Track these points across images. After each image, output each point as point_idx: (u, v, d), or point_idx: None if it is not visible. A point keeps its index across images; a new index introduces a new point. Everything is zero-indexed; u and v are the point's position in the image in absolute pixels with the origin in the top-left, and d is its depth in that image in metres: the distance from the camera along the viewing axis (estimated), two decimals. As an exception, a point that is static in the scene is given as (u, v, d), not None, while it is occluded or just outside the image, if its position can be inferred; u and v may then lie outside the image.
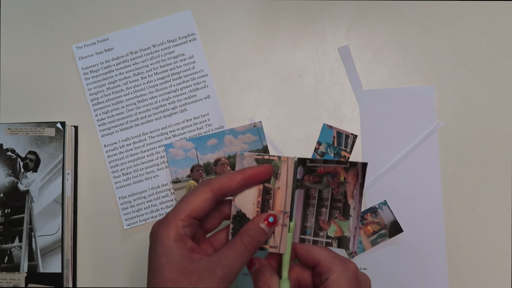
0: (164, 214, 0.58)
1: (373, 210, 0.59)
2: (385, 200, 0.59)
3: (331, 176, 0.45)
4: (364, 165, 0.44)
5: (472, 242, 0.58)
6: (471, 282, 0.58)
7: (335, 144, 0.60)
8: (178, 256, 0.40)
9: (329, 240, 0.45)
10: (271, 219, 0.43)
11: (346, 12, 0.63)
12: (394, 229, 0.59)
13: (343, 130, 0.61)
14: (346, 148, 0.60)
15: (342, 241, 0.45)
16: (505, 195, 0.59)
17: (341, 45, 0.62)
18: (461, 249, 0.58)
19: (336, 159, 0.60)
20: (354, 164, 0.44)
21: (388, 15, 0.63)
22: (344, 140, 0.61)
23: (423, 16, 0.63)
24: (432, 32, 0.62)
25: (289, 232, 0.44)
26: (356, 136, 0.61)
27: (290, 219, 0.44)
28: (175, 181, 0.60)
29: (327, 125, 0.61)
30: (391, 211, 0.59)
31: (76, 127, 0.62)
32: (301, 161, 0.45)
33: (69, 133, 0.60)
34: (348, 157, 0.60)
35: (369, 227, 0.59)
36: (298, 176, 0.45)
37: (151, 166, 0.61)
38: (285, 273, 0.44)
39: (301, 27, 0.63)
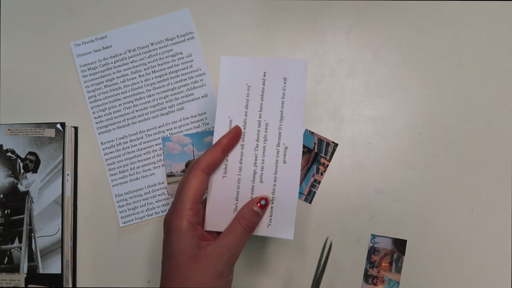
0: (161, 213, 0.59)
1: (372, 250, 0.59)
2: (372, 234, 0.59)
3: None
4: (316, 153, 0.55)
5: (472, 242, 0.59)
6: (471, 282, 0.58)
7: (316, 151, 0.61)
8: (189, 244, 0.44)
9: None
10: (263, 202, 0.48)
11: (346, 13, 0.63)
12: (400, 244, 0.59)
13: (324, 138, 0.61)
14: (326, 155, 0.61)
15: None
16: (505, 195, 0.59)
17: (341, 45, 0.62)
18: (461, 250, 0.59)
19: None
20: (310, 150, 0.58)
21: (388, 16, 0.63)
22: (324, 147, 0.61)
23: (423, 17, 0.62)
24: (432, 33, 0.62)
25: None
26: (337, 144, 0.61)
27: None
28: (169, 175, 0.60)
29: (309, 131, 0.61)
30: (383, 236, 0.59)
31: (76, 128, 0.62)
32: None
33: (69, 134, 0.60)
34: (328, 165, 0.60)
35: (383, 264, 0.59)
36: None
37: (147, 164, 0.61)
38: None
39: (301, 28, 0.63)
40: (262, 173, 0.49)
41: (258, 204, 0.48)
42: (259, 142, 0.49)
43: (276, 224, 0.49)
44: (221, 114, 0.49)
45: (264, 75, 0.50)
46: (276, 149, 0.49)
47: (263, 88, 0.50)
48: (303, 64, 0.50)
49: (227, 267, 0.45)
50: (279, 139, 0.49)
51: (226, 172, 0.49)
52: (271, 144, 0.49)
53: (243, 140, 0.49)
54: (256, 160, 0.49)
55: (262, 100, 0.50)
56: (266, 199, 0.48)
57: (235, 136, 0.48)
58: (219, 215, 0.49)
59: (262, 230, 0.49)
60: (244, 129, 0.49)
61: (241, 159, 0.49)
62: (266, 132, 0.49)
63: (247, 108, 0.49)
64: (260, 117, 0.49)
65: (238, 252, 0.46)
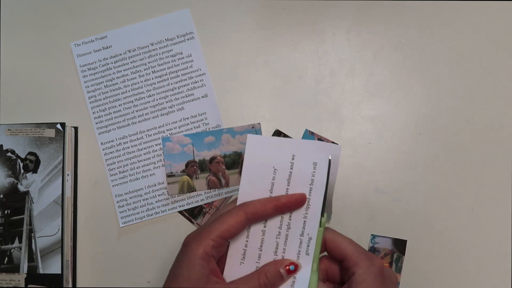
0: (161, 213, 0.60)
1: (372, 250, 0.59)
2: (372, 234, 0.59)
3: None
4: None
5: (472, 242, 0.59)
6: (471, 282, 0.58)
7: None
8: (198, 274, 0.42)
9: None
10: (291, 268, 0.44)
11: (346, 13, 0.63)
12: (400, 244, 0.59)
13: (324, 138, 0.61)
14: None
15: None
16: (506, 196, 0.59)
17: (341, 45, 0.62)
18: (461, 250, 0.59)
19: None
20: None
21: (388, 16, 0.63)
22: None
23: (423, 17, 0.63)
24: (432, 33, 0.62)
25: (320, 227, 0.45)
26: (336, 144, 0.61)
27: (322, 215, 0.46)
28: (169, 175, 0.60)
29: (309, 131, 0.61)
30: (383, 236, 0.59)
31: (76, 128, 0.62)
32: (278, 132, 0.60)
33: (69, 134, 0.60)
34: None
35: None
36: None
37: (147, 165, 0.61)
38: (314, 265, 0.45)
39: (301, 28, 0.63)
40: None
41: (286, 268, 0.44)
42: (282, 230, 0.46)
43: None
44: (244, 196, 0.47)
45: (293, 158, 0.47)
46: (300, 239, 0.46)
47: (291, 172, 0.47)
48: (337, 149, 0.46)
49: None
50: (303, 228, 0.46)
51: (244, 258, 0.46)
52: (294, 233, 0.46)
53: (264, 226, 0.46)
54: (277, 249, 0.46)
55: (288, 185, 0.47)
56: (296, 266, 0.44)
57: (296, 202, 0.45)
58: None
59: None
60: None
61: (261, 246, 0.46)
62: (290, 220, 0.46)
63: (271, 192, 0.47)
64: None
65: None
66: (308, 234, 0.45)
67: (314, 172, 0.46)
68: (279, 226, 0.46)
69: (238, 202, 0.46)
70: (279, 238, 0.46)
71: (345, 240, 0.45)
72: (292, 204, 0.45)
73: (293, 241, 0.46)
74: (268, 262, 0.45)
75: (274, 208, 0.45)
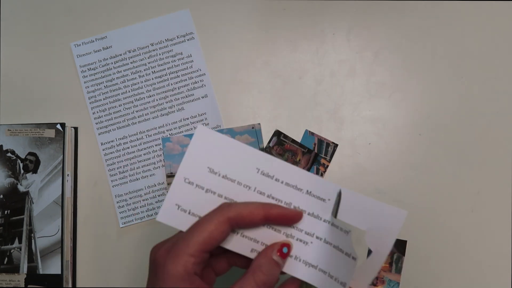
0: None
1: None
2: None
3: (291, 153, 0.60)
4: (316, 154, 0.58)
5: (472, 242, 0.59)
6: (471, 282, 0.58)
7: (316, 151, 0.61)
8: None
9: None
10: (285, 250, 0.38)
11: (346, 14, 0.63)
12: (400, 245, 0.59)
13: (325, 138, 0.61)
14: (326, 156, 0.61)
15: None
16: (505, 196, 0.59)
17: (341, 46, 0.62)
18: (461, 250, 0.59)
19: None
20: (310, 151, 0.60)
21: (389, 17, 0.63)
22: (324, 148, 0.61)
23: (423, 17, 0.63)
24: (432, 34, 0.62)
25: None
26: (337, 145, 0.61)
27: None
28: (169, 175, 0.60)
29: (309, 131, 0.61)
30: None
31: (76, 128, 0.62)
32: (277, 133, 0.60)
33: (69, 134, 0.60)
34: (327, 165, 0.61)
35: (383, 265, 0.58)
36: (271, 144, 0.60)
37: (147, 165, 0.61)
38: None
39: (301, 28, 0.63)
40: None
41: (279, 253, 0.38)
42: None
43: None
44: None
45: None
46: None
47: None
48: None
49: None
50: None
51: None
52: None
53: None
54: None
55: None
56: (288, 246, 0.38)
57: (291, 217, 0.39)
58: None
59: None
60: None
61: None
62: None
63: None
64: None
65: None
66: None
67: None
68: None
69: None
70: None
71: None
72: (284, 219, 0.39)
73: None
74: (259, 253, 0.39)
75: (264, 218, 0.38)
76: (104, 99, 0.63)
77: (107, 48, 0.64)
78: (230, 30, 0.63)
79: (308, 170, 0.60)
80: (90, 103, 0.63)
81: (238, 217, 0.37)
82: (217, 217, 0.37)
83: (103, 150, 0.62)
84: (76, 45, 0.64)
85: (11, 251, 0.57)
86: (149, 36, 0.64)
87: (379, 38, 0.63)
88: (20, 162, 0.59)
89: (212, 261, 0.41)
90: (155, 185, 0.61)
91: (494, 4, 0.63)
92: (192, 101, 0.62)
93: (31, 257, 0.57)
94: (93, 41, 0.64)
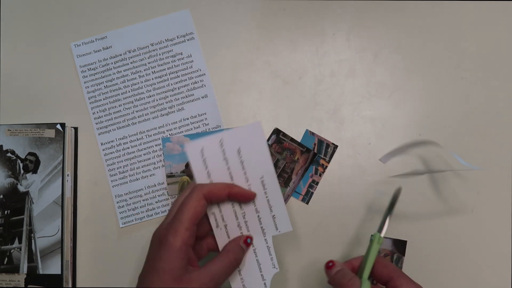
0: (161, 214, 0.60)
1: None
2: (372, 235, 0.59)
3: (290, 152, 0.61)
4: (315, 154, 0.60)
5: (472, 242, 0.59)
6: (471, 282, 0.58)
7: (315, 151, 0.61)
8: (178, 264, 0.44)
9: None
10: (249, 241, 0.50)
11: (346, 14, 0.63)
12: (400, 245, 0.59)
13: (325, 139, 0.61)
14: (326, 156, 0.61)
15: None
16: (505, 196, 0.59)
17: (341, 46, 0.62)
18: (461, 250, 0.59)
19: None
20: (309, 150, 0.60)
21: (388, 17, 0.63)
22: (324, 148, 0.61)
23: (423, 18, 0.63)
24: (432, 34, 0.62)
25: (377, 243, 0.50)
26: (336, 146, 0.61)
27: (379, 231, 0.51)
28: (169, 175, 0.60)
29: (309, 131, 0.61)
30: (383, 237, 0.59)
31: (76, 128, 0.62)
32: (276, 131, 0.61)
33: (69, 135, 0.60)
34: (326, 166, 0.61)
35: None
36: (269, 142, 0.61)
37: (147, 165, 0.61)
38: (366, 274, 0.49)
39: (301, 28, 0.63)
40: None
41: (245, 243, 0.50)
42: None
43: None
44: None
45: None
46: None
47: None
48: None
49: None
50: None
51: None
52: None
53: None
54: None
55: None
56: (251, 238, 0.51)
57: (245, 195, 0.50)
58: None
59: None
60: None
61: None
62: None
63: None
64: None
65: (221, 283, 0.47)
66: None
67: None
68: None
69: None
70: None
71: (392, 264, 0.51)
72: (241, 196, 0.50)
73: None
74: (229, 241, 0.50)
75: (228, 194, 0.49)
76: (104, 99, 0.63)
77: (107, 48, 0.64)
78: (230, 30, 0.63)
79: (306, 169, 0.60)
80: (90, 103, 0.62)
81: (210, 193, 0.47)
82: (195, 195, 0.47)
83: (103, 150, 0.62)
84: (76, 45, 0.64)
85: (11, 251, 0.57)
86: (149, 36, 0.64)
87: (379, 38, 0.63)
88: (20, 162, 0.59)
89: (196, 246, 0.50)
90: (155, 185, 0.61)
91: (494, 4, 0.63)
92: (192, 101, 0.62)
93: (31, 257, 0.57)
94: (93, 41, 0.64)
